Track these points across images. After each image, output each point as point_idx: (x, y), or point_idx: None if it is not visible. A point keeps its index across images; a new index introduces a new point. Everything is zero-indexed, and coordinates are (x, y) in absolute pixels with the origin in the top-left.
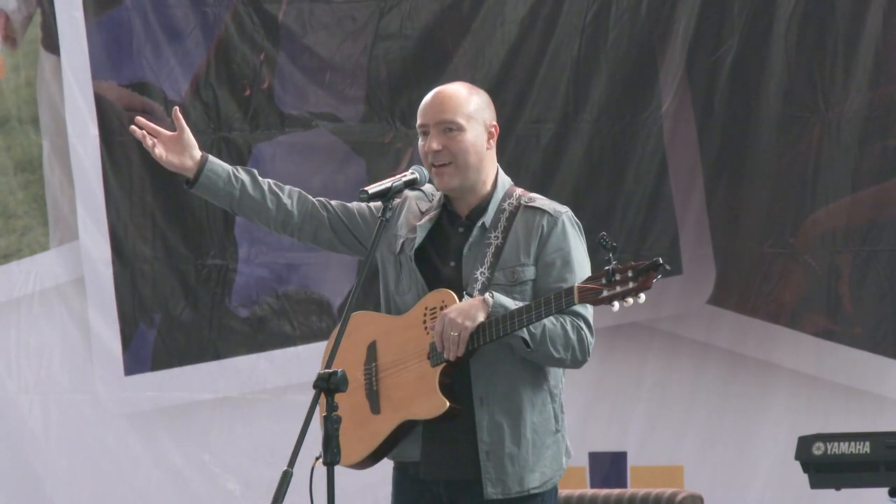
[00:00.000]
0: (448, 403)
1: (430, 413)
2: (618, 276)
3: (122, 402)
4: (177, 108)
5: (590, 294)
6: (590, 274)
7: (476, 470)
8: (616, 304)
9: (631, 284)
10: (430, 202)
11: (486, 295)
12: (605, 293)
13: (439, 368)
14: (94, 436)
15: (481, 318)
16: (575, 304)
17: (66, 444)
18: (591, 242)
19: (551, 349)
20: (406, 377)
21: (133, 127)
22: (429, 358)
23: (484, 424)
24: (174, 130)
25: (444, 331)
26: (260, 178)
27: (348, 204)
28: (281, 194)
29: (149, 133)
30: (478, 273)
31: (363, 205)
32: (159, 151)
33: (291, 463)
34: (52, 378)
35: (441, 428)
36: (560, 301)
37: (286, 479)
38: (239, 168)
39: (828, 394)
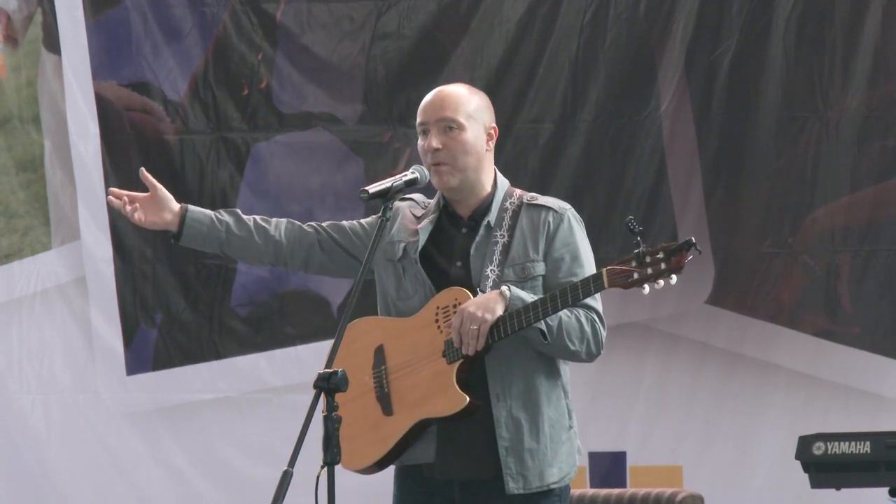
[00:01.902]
0: (468, 398)
1: (449, 409)
2: (648, 259)
3: (123, 402)
4: (143, 168)
5: (620, 277)
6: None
7: (494, 467)
8: (647, 287)
9: (663, 266)
10: (424, 208)
11: (503, 288)
12: (636, 275)
13: (456, 364)
14: (95, 435)
15: (500, 310)
16: (604, 289)
17: (67, 444)
18: (591, 241)
19: (567, 342)
20: (420, 377)
21: (110, 198)
22: (444, 355)
23: (502, 420)
24: (169, 137)
25: (462, 325)
26: (244, 217)
27: (340, 223)
28: (268, 227)
29: (127, 200)
30: (488, 270)
31: (355, 222)
32: (139, 216)
33: (291, 463)
34: (53, 378)
35: (456, 427)
36: (588, 286)
37: (286, 479)
38: (222, 211)
39: (827, 393)
